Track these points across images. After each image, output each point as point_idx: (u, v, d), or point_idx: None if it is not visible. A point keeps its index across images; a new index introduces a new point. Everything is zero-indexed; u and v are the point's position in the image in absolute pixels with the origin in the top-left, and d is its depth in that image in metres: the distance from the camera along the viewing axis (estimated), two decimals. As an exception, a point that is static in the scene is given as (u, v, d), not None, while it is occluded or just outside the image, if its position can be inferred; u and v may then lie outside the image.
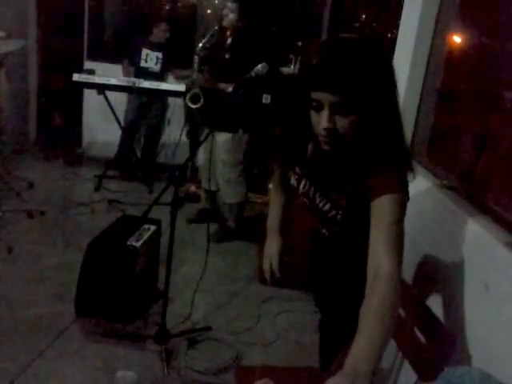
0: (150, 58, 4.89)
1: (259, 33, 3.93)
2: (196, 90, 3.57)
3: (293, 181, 1.55)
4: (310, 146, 1.46)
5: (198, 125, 4.10)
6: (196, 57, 3.77)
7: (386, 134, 1.27)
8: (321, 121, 1.24)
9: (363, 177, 1.29)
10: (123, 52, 5.06)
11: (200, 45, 3.76)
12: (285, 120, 1.48)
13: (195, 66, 3.77)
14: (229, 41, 3.62)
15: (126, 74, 4.84)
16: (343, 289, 1.59)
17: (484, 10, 1.92)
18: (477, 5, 2.04)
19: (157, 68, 4.90)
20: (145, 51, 4.87)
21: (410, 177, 1.34)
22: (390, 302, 1.12)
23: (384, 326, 1.09)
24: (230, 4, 3.61)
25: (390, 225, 1.22)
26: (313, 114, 1.27)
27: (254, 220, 4.12)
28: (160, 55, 4.90)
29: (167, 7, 5.71)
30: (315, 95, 1.24)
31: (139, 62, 4.88)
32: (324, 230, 1.59)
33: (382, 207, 1.24)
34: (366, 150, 1.27)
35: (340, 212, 1.41)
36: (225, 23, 3.64)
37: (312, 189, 1.49)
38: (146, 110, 4.93)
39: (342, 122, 1.24)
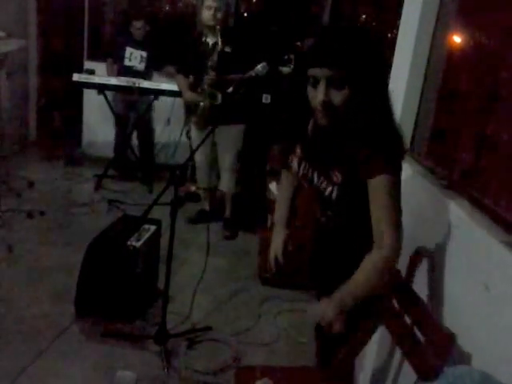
0: (134, 57, 4.82)
1: (257, 32, 3.92)
2: (211, 90, 3.60)
3: (294, 164, 1.64)
4: (309, 128, 1.58)
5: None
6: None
7: (376, 109, 1.41)
8: (317, 95, 1.39)
9: (358, 152, 1.42)
10: (108, 51, 5.02)
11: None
12: (287, 103, 1.65)
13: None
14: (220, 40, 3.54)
15: (110, 73, 4.77)
16: (343, 278, 1.62)
17: (484, 10, 1.92)
18: (477, 5, 2.04)
19: (141, 66, 4.82)
20: (129, 50, 4.80)
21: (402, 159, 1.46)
22: (384, 265, 1.40)
23: (372, 279, 1.39)
24: (210, 1, 3.48)
25: (389, 201, 1.40)
26: (310, 90, 1.42)
27: (253, 219, 4.14)
28: (144, 54, 4.83)
29: (167, 7, 5.70)
30: (312, 72, 1.39)
31: (123, 61, 4.82)
32: (323, 218, 1.66)
33: (380, 185, 1.39)
34: (358, 123, 1.41)
35: (335, 189, 1.51)
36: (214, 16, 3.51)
37: (311, 169, 1.59)
38: (133, 103, 4.87)
39: (336, 96, 1.38)
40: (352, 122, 1.41)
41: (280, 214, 1.91)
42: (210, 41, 3.62)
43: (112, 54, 4.88)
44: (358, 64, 1.36)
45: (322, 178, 1.55)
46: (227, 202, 4.09)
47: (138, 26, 4.78)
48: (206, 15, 3.51)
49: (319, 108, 1.40)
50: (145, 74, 4.81)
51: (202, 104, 3.64)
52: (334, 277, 1.62)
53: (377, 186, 1.40)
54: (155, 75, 4.98)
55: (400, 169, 1.44)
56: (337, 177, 1.49)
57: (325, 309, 1.35)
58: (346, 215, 1.58)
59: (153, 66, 4.92)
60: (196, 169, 4.17)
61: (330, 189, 1.52)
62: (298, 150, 1.63)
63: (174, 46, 4.42)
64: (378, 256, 1.39)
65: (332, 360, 1.74)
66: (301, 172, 1.62)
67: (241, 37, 3.70)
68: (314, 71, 1.39)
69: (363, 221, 1.47)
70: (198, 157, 3.92)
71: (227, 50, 3.58)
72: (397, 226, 1.40)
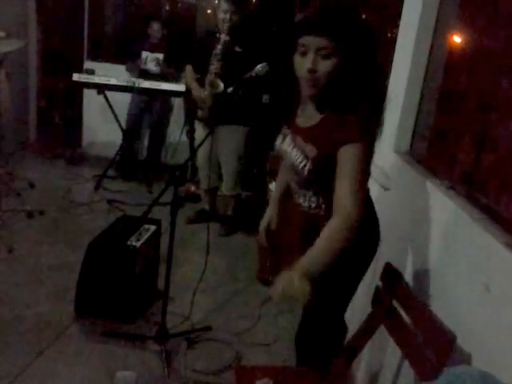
0: (150, 60, 4.88)
1: (264, 29, 3.94)
2: (212, 77, 3.65)
3: (278, 142, 1.71)
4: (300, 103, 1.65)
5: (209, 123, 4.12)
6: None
7: (362, 83, 1.46)
8: (305, 64, 1.45)
9: (336, 126, 1.46)
10: (124, 55, 5.05)
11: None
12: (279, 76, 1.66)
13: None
14: (227, 37, 3.63)
15: (134, 72, 4.85)
16: None
17: (484, 10, 1.92)
18: (477, 5, 2.04)
19: (156, 70, 4.87)
20: (144, 53, 4.85)
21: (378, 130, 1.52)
22: (343, 234, 1.41)
23: (332, 247, 1.41)
24: (230, 7, 3.59)
25: (354, 168, 1.43)
26: (298, 59, 1.49)
27: (253, 218, 4.13)
28: (160, 56, 4.89)
29: (167, 7, 5.70)
30: (303, 40, 1.46)
31: (140, 65, 4.88)
32: (300, 200, 1.70)
33: (348, 153, 1.43)
34: (342, 95, 1.46)
35: (308, 163, 1.54)
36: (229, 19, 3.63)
37: (292, 144, 1.64)
38: (148, 107, 4.92)
39: (323, 65, 1.45)
40: (336, 93, 1.46)
41: (275, 192, 2.02)
42: (223, 38, 3.68)
43: (129, 58, 4.91)
44: (348, 34, 1.44)
45: (299, 152, 1.59)
46: (230, 202, 4.09)
47: (155, 29, 4.84)
48: (222, 18, 3.61)
49: (306, 76, 1.46)
50: (161, 77, 4.82)
51: (204, 93, 3.67)
52: None
53: (344, 154, 1.43)
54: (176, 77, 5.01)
55: (373, 139, 1.49)
56: (312, 150, 1.53)
57: (289, 279, 1.35)
58: (320, 195, 1.62)
59: (173, 67, 4.95)
60: (198, 168, 4.18)
61: (303, 163, 1.55)
62: (285, 129, 1.71)
63: (190, 46, 4.48)
64: (337, 221, 1.42)
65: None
66: (282, 148, 1.68)
67: (250, 37, 3.71)
68: (305, 40, 1.45)
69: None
70: (200, 156, 3.94)
71: (238, 49, 3.62)
72: (357, 194, 1.42)
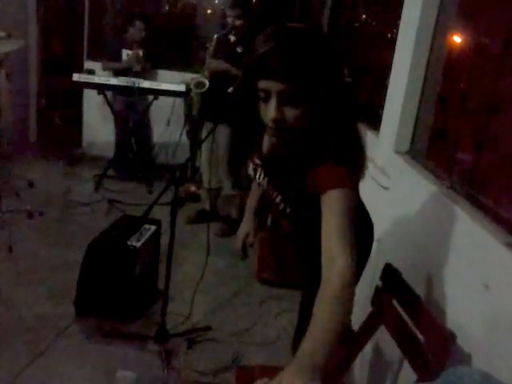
0: (131, 58, 4.80)
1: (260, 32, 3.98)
2: (201, 79, 3.78)
3: (250, 170, 1.52)
4: (264, 141, 1.44)
5: (198, 122, 4.15)
6: (213, 43, 3.86)
7: (335, 127, 1.24)
8: (268, 111, 1.22)
9: (312, 169, 1.26)
10: (100, 53, 5.01)
11: (215, 36, 3.88)
12: (236, 113, 1.43)
13: (209, 52, 3.86)
14: (238, 38, 3.73)
15: (108, 69, 4.79)
16: (308, 277, 1.64)
17: (484, 11, 1.93)
18: (477, 5, 2.04)
19: (138, 67, 4.78)
20: (125, 51, 4.79)
21: (361, 172, 1.30)
22: (344, 297, 1.12)
23: (337, 318, 1.10)
24: (234, 12, 3.68)
25: (341, 219, 1.18)
26: (261, 105, 1.25)
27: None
28: (140, 53, 4.81)
29: (167, 7, 5.71)
30: (262, 84, 1.21)
31: (119, 64, 4.80)
32: (283, 224, 1.66)
33: (331, 202, 1.21)
34: (314, 142, 1.24)
35: (289, 205, 1.42)
36: (235, 24, 3.74)
37: (266, 180, 1.48)
38: (132, 103, 4.84)
39: (290, 113, 1.21)
40: (308, 140, 1.25)
41: (249, 204, 1.95)
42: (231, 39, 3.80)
43: (106, 56, 4.86)
44: (315, 77, 1.19)
45: (276, 192, 1.45)
46: (233, 203, 4.07)
47: (139, 28, 4.78)
48: (229, 22, 3.74)
49: (271, 125, 1.24)
50: (143, 74, 4.79)
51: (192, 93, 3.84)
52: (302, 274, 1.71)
53: (328, 200, 1.21)
54: (158, 74, 5.01)
55: (356, 182, 1.29)
56: (290, 193, 1.39)
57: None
58: (302, 227, 1.52)
59: (152, 65, 4.93)
60: (201, 167, 4.20)
61: (283, 205, 1.43)
62: (256, 159, 1.49)
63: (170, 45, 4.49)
64: (336, 285, 1.12)
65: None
66: (257, 180, 1.51)
67: (251, 37, 3.74)
68: (265, 84, 1.20)
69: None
70: (203, 156, 3.99)
71: (239, 50, 3.68)
72: (350, 246, 1.16)
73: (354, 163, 1.26)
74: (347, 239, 1.17)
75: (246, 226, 1.94)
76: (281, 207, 1.44)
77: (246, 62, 1.29)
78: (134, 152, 5.00)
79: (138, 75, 4.68)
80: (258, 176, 1.50)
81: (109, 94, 4.65)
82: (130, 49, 4.79)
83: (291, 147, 1.31)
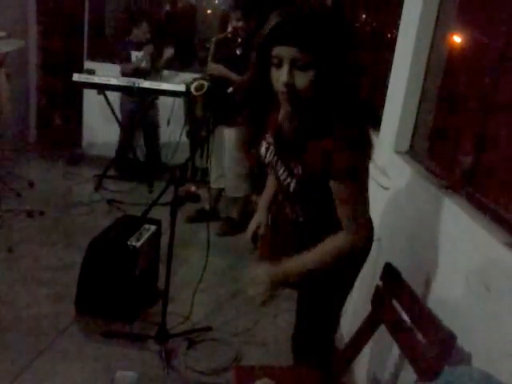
0: (141, 58, 4.83)
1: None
2: (201, 81, 3.81)
3: (262, 150, 1.59)
4: (280, 115, 1.53)
5: (199, 123, 4.17)
6: (212, 45, 3.89)
7: (342, 93, 1.34)
8: (280, 76, 1.31)
9: (319, 143, 1.37)
10: (115, 55, 5.02)
11: (214, 38, 3.92)
12: (249, 83, 1.52)
13: (210, 55, 3.89)
14: (239, 39, 3.75)
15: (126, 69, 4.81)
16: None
17: (484, 10, 1.92)
18: (477, 5, 2.04)
19: (147, 65, 4.83)
20: (134, 53, 4.81)
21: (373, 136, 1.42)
22: (345, 247, 1.46)
23: (322, 259, 1.48)
24: (235, 14, 3.71)
25: (352, 199, 1.43)
26: (274, 71, 1.34)
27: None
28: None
29: (167, 7, 5.70)
30: (276, 51, 1.30)
31: (133, 65, 4.81)
32: (287, 210, 1.70)
33: (338, 188, 1.40)
34: (320, 112, 1.35)
35: (294, 181, 1.49)
36: (235, 26, 3.76)
37: (276, 157, 1.55)
38: (139, 107, 4.89)
39: (300, 78, 1.31)
40: (316, 106, 1.35)
41: (263, 198, 1.98)
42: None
43: (119, 59, 4.88)
44: (325, 43, 1.30)
45: (284, 168, 1.52)
46: (234, 204, 4.08)
47: (144, 29, 4.81)
48: (232, 23, 3.78)
49: (283, 90, 1.33)
50: (151, 72, 4.83)
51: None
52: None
53: (339, 186, 1.40)
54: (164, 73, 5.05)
55: (367, 158, 1.40)
56: (297, 169, 1.46)
57: (261, 273, 1.49)
58: (307, 209, 1.60)
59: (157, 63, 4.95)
60: (210, 168, 4.22)
61: (288, 180, 1.50)
62: (269, 136, 1.57)
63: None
64: (342, 238, 1.46)
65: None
66: (267, 159, 1.58)
67: (248, 39, 3.76)
68: (278, 50, 1.30)
69: (324, 214, 1.51)
70: (212, 155, 4.06)
71: (238, 52, 3.72)
72: (361, 219, 1.47)
73: (363, 140, 1.37)
74: (359, 215, 1.47)
75: (258, 217, 1.96)
76: (286, 183, 1.52)
77: (260, 33, 1.38)
78: (136, 153, 5.01)
79: (146, 74, 4.71)
80: (268, 154, 1.57)
81: (118, 94, 4.66)
82: (137, 50, 4.81)
83: (301, 117, 1.41)
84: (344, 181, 1.38)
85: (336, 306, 1.77)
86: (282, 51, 1.29)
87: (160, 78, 4.93)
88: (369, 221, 1.63)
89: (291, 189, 1.50)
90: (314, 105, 1.35)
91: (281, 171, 1.53)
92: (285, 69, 1.30)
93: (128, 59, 4.80)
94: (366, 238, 1.52)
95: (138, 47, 4.81)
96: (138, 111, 4.88)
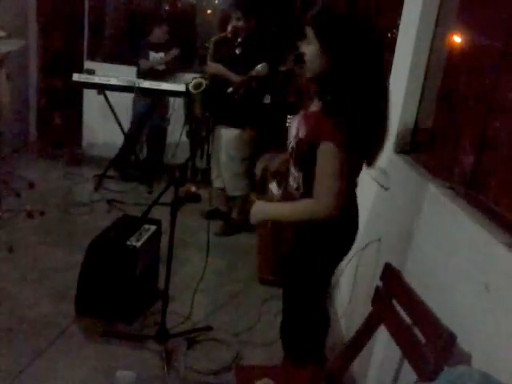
0: (158, 60, 4.93)
1: (263, 32, 4.01)
2: (199, 79, 3.87)
3: (291, 122, 1.92)
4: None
5: (199, 123, 4.20)
6: (211, 45, 3.91)
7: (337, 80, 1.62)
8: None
9: (320, 121, 1.64)
10: (129, 55, 5.07)
11: (213, 38, 3.94)
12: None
13: (209, 55, 3.90)
14: (239, 39, 3.75)
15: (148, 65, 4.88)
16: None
17: (484, 10, 1.92)
18: (477, 5, 2.04)
19: (162, 67, 4.92)
20: (151, 54, 4.89)
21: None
22: (307, 214, 1.69)
23: (293, 215, 1.75)
24: (235, 14, 3.71)
25: (329, 169, 1.61)
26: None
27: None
28: (163, 55, 4.93)
29: (166, 7, 5.71)
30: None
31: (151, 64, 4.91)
32: (291, 182, 1.86)
33: (324, 151, 1.61)
34: (332, 87, 1.63)
35: (293, 141, 1.77)
36: (235, 25, 3.76)
37: (296, 125, 1.81)
38: (152, 108, 4.94)
39: (305, 48, 1.67)
40: (325, 87, 1.66)
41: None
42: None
43: (135, 57, 4.93)
44: (333, 36, 1.62)
45: (295, 131, 1.78)
46: (235, 203, 4.09)
47: (164, 30, 4.89)
48: (232, 23, 3.80)
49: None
50: (166, 74, 4.89)
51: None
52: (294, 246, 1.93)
53: (322, 150, 1.61)
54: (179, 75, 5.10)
55: (352, 144, 1.59)
56: (302, 132, 1.73)
57: (255, 209, 1.81)
58: (305, 179, 1.76)
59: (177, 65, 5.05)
60: (211, 167, 4.23)
61: (290, 140, 1.80)
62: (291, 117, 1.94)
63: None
64: (309, 203, 1.69)
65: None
66: (290, 126, 1.89)
67: (249, 39, 3.77)
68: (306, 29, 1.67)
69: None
70: (212, 155, 4.09)
71: (238, 52, 3.73)
72: (332, 192, 1.62)
73: (358, 126, 1.58)
74: (332, 187, 1.62)
75: (274, 161, 2.09)
76: (289, 144, 1.82)
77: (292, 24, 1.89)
78: (137, 155, 5.03)
79: (161, 76, 4.78)
80: (293, 123, 1.85)
81: (131, 95, 4.68)
82: (153, 51, 4.86)
83: (319, 87, 1.71)
84: (326, 143, 1.58)
85: (320, 289, 1.93)
86: (306, 30, 1.66)
87: (175, 80, 4.95)
88: (344, 200, 1.69)
89: (290, 148, 1.79)
90: (324, 82, 1.66)
91: (291, 134, 1.81)
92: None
93: (146, 58, 4.86)
94: (334, 213, 1.63)
95: (157, 48, 4.87)
96: (150, 111, 4.91)
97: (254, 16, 3.75)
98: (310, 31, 1.64)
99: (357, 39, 1.60)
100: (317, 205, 1.65)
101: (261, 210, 1.81)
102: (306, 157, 1.69)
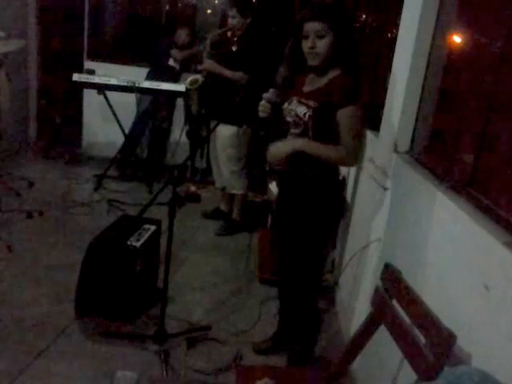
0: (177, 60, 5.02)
1: (261, 31, 4.02)
2: (195, 76, 3.94)
3: (285, 105, 2.21)
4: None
5: (198, 123, 4.21)
6: (207, 42, 3.93)
7: (347, 55, 2.10)
8: (307, 44, 2.06)
9: (333, 89, 2.04)
10: (148, 53, 5.12)
11: (209, 36, 3.98)
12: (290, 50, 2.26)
13: (205, 52, 3.93)
14: (235, 38, 3.78)
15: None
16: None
17: (484, 10, 1.93)
18: (477, 5, 2.04)
19: (178, 66, 5.01)
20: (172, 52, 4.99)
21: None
22: (341, 155, 2.07)
23: (329, 154, 2.08)
24: (231, 12, 3.73)
25: (353, 126, 2.06)
26: (303, 42, 2.08)
27: (254, 218, 4.15)
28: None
29: (167, 7, 5.71)
30: (305, 27, 2.05)
31: (166, 62, 4.97)
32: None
33: (347, 114, 2.03)
34: (334, 64, 2.10)
35: (310, 110, 2.07)
36: (231, 23, 3.79)
37: (297, 103, 2.14)
38: (155, 109, 4.95)
39: (320, 44, 2.06)
40: (331, 62, 2.09)
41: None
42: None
43: (153, 56, 5.02)
44: (335, 19, 2.06)
45: (302, 104, 2.11)
46: (234, 202, 4.10)
47: (187, 32, 5.00)
48: (236, 22, 3.81)
49: (308, 52, 2.07)
50: (179, 73, 5.00)
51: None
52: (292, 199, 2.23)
53: (345, 114, 2.02)
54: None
55: (359, 100, 2.06)
56: (313, 103, 2.07)
57: (284, 145, 2.13)
58: (315, 132, 2.08)
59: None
60: (212, 168, 4.24)
61: (304, 111, 2.08)
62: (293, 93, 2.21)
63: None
64: (342, 149, 2.06)
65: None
66: (289, 107, 2.18)
67: (246, 37, 3.77)
68: (307, 26, 2.04)
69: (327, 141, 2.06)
70: (210, 154, 4.11)
71: (234, 49, 3.75)
72: (355, 141, 2.09)
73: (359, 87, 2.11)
74: (357, 140, 2.12)
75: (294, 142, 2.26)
76: (301, 113, 2.09)
77: (297, 17, 2.35)
78: (137, 155, 5.03)
79: (177, 74, 4.89)
80: (292, 104, 2.17)
81: (131, 95, 4.69)
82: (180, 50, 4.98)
83: (321, 68, 2.12)
84: (347, 105, 2.00)
85: (319, 243, 2.22)
86: (309, 26, 2.04)
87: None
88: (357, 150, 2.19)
89: (306, 116, 2.07)
90: (329, 61, 2.09)
91: (300, 109, 2.10)
92: (310, 38, 2.05)
93: (167, 58, 4.96)
94: (353, 162, 2.18)
95: (181, 48, 4.97)
96: (155, 108, 4.92)
97: (250, 14, 3.76)
98: (319, 25, 2.01)
99: (352, 21, 2.14)
100: (346, 152, 2.06)
101: (287, 143, 2.13)
102: (321, 121, 2.05)
